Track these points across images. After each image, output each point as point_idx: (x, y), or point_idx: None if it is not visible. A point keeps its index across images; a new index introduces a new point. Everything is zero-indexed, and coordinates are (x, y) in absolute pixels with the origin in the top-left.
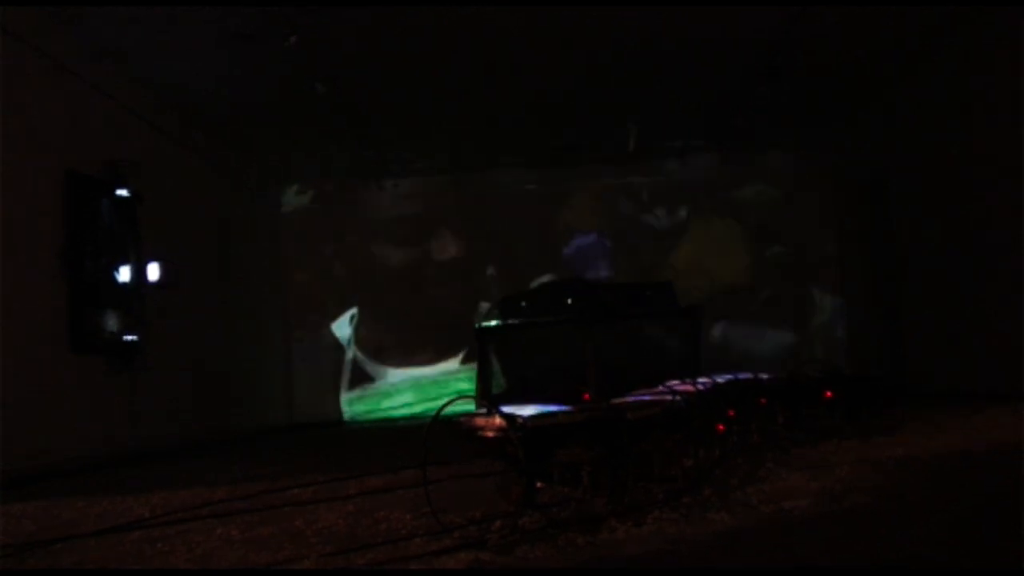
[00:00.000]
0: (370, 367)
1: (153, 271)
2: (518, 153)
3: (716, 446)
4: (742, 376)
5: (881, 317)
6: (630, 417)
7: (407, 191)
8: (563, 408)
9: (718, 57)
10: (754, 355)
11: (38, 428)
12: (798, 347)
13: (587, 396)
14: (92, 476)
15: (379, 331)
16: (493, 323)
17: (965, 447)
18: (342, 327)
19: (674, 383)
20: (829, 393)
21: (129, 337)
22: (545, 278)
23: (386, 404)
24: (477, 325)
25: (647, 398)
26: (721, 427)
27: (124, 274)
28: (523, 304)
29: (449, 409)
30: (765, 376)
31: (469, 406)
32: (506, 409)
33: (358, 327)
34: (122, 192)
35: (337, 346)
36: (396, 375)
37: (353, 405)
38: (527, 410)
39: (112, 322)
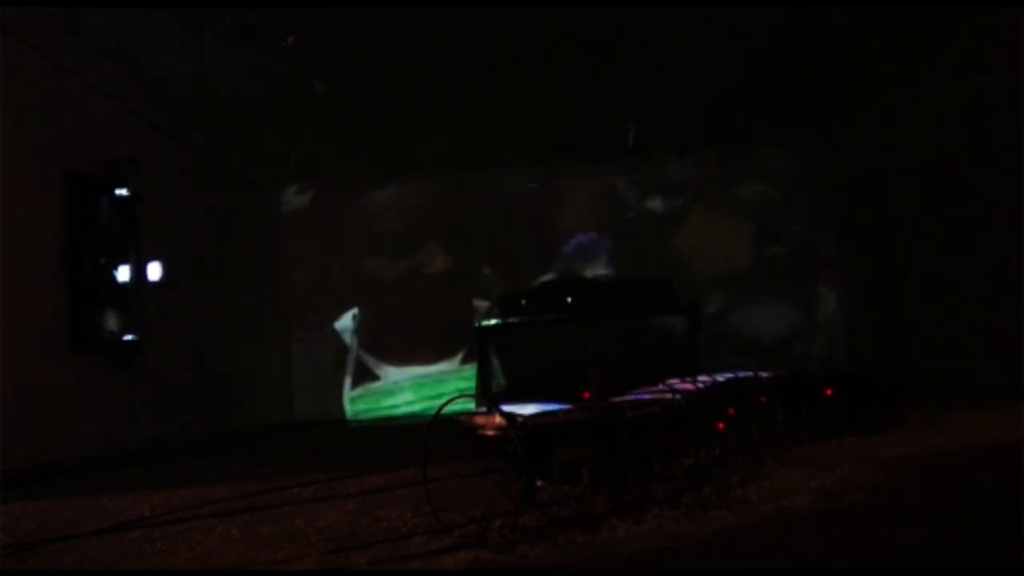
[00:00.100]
0: (370, 366)
1: (154, 270)
2: (518, 152)
3: (716, 444)
4: (742, 374)
5: (881, 316)
6: (630, 415)
7: (407, 190)
8: (563, 407)
9: (718, 57)
10: (754, 353)
11: (38, 428)
12: (798, 346)
13: (587, 394)
14: (92, 475)
15: (379, 330)
16: (493, 322)
17: (965, 446)
18: (342, 326)
19: (674, 381)
20: (829, 391)
21: (129, 337)
22: (547, 277)
23: (387, 402)
24: (477, 324)
25: (647, 396)
26: (721, 425)
27: (124, 274)
28: (523, 302)
29: (449, 408)
30: (765, 374)
31: (469, 405)
32: (506, 408)
33: (358, 326)
34: (122, 192)
35: (337, 345)
36: (396, 373)
37: (354, 403)
38: (527, 409)
39: (112, 322)
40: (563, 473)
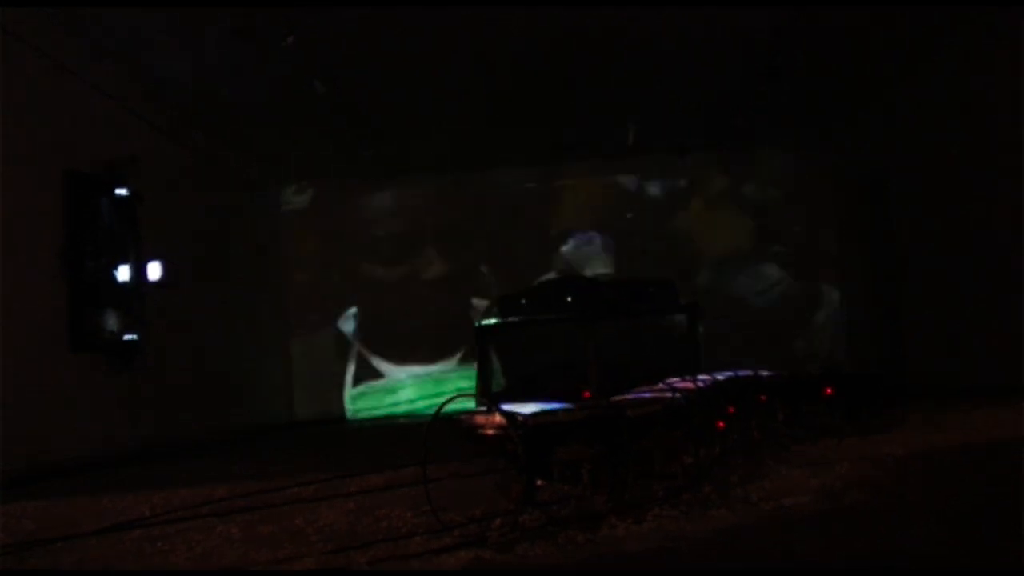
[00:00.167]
0: (370, 364)
1: (155, 270)
2: (518, 152)
3: (716, 443)
4: (742, 373)
5: (881, 316)
6: (630, 414)
7: (406, 190)
8: (563, 406)
9: (718, 57)
10: (754, 352)
11: (38, 428)
12: (798, 345)
13: (587, 394)
14: (92, 475)
15: (379, 329)
16: (493, 321)
17: (965, 445)
18: (342, 325)
19: (674, 380)
20: (829, 390)
21: (129, 336)
22: (547, 276)
23: (387, 401)
24: (477, 323)
25: (647, 395)
26: (721, 424)
27: (124, 273)
28: (523, 302)
29: (449, 407)
30: (765, 373)
31: (469, 404)
32: (506, 407)
33: (358, 325)
34: (122, 191)
35: (337, 344)
36: (396, 372)
37: (354, 402)
38: (527, 408)
39: (112, 321)
40: (563, 472)
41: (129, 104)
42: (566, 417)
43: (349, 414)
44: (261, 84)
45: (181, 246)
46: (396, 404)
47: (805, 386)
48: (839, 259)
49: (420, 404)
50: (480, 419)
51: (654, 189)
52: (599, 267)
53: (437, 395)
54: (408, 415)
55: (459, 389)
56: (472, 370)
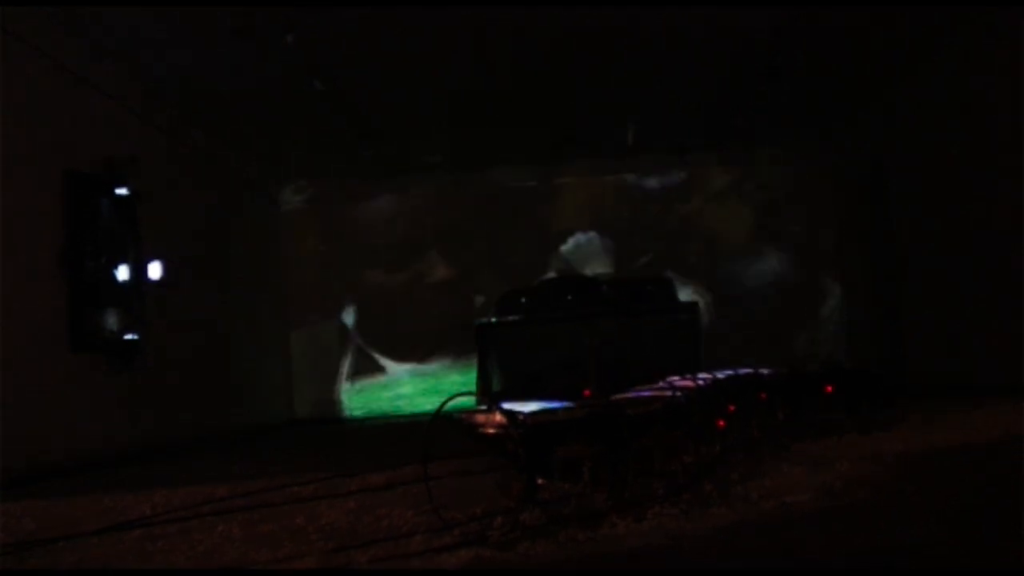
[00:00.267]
0: (371, 364)
1: (155, 269)
2: (518, 152)
3: (716, 441)
4: (742, 371)
5: (881, 316)
6: (630, 413)
7: (406, 190)
8: (564, 404)
9: (718, 57)
10: (754, 351)
11: (38, 427)
12: (798, 344)
13: (588, 392)
14: (92, 475)
15: (379, 328)
16: (494, 319)
17: (965, 443)
18: (342, 324)
19: (674, 379)
20: (829, 388)
21: (129, 336)
22: (547, 275)
23: (387, 400)
24: (478, 322)
25: (647, 394)
26: (721, 422)
27: (124, 273)
28: (523, 300)
29: (450, 405)
30: (765, 371)
31: (470, 402)
32: (507, 405)
33: (358, 324)
34: (122, 191)
35: (337, 343)
36: (397, 371)
37: (354, 401)
38: (528, 406)
39: (112, 321)
40: (564, 470)
41: (129, 104)
42: (566, 416)
43: (348, 413)
44: (261, 83)
45: (181, 246)
46: (395, 403)
47: (805, 384)
48: (839, 259)
49: (419, 403)
50: (481, 418)
51: (654, 189)
52: (599, 266)
53: (437, 393)
54: (408, 414)
55: (460, 387)
56: (470, 368)
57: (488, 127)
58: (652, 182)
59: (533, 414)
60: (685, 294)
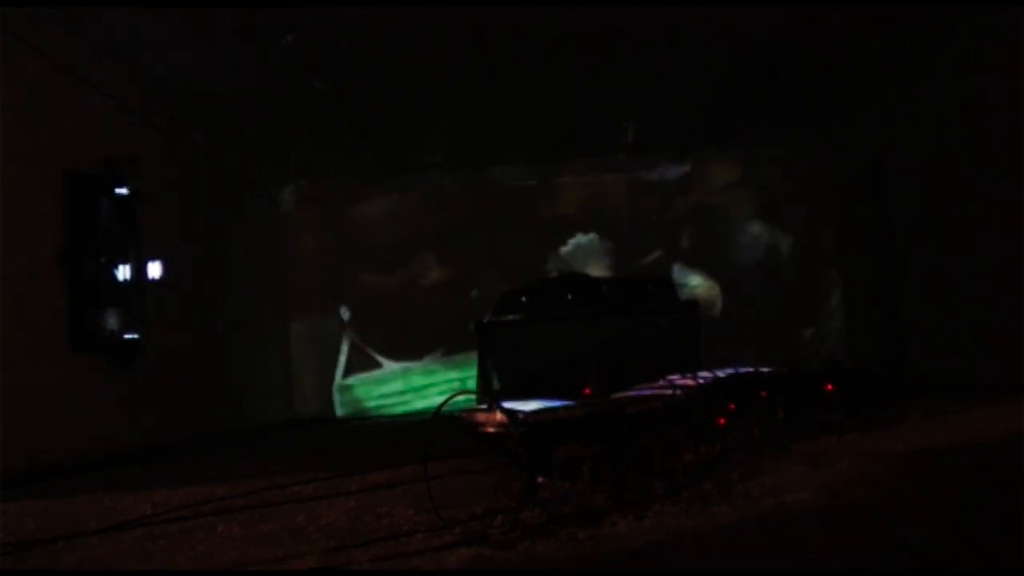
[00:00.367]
0: (370, 363)
1: (155, 269)
2: (518, 151)
3: (717, 440)
4: (743, 370)
5: (881, 315)
6: (631, 411)
7: (406, 190)
8: (564, 403)
9: (718, 57)
10: (754, 350)
11: (38, 427)
12: (799, 344)
13: (588, 391)
14: (92, 475)
15: (379, 327)
16: (494, 319)
17: (965, 442)
18: (341, 323)
19: (675, 377)
20: (830, 386)
21: (129, 336)
22: (547, 274)
23: (387, 399)
24: (478, 321)
25: (648, 392)
26: (722, 421)
27: (124, 273)
28: (523, 299)
29: (450, 404)
30: (766, 370)
31: (470, 401)
32: (507, 404)
33: (357, 324)
34: (121, 191)
35: (336, 343)
36: (397, 370)
37: (354, 400)
38: (528, 405)
39: (112, 321)
40: (564, 469)
41: (129, 104)
42: (567, 414)
43: (348, 412)
44: (261, 84)
45: (181, 246)
46: (395, 402)
47: (805, 383)
48: (839, 259)
49: (419, 402)
50: (481, 416)
51: (654, 188)
52: (599, 266)
53: (437, 392)
54: (408, 413)
55: (460, 386)
56: (470, 367)
57: (488, 127)
58: (652, 182)
59: (533, 413)
60: (684, 292)
